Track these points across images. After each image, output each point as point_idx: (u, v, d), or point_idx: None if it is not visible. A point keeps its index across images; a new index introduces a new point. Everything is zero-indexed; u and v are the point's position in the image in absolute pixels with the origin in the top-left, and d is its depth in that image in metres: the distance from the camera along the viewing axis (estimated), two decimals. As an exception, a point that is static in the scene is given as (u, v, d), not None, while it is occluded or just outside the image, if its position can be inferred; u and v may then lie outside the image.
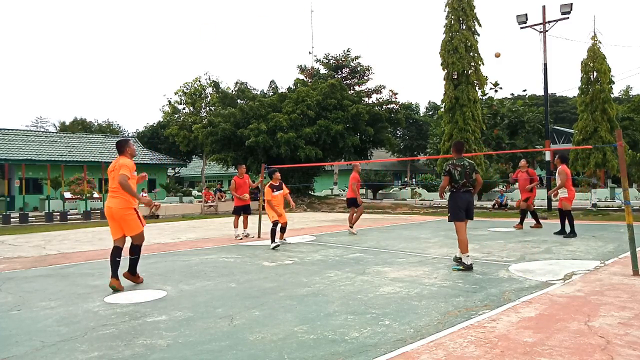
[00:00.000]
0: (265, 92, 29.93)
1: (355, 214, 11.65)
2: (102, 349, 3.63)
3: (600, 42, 20.11)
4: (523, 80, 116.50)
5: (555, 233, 10.35)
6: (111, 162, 5.94)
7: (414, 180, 52.26)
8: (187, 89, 34.04)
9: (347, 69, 33.04)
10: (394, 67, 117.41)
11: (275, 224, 9.25)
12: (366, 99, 29.78)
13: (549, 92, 20.10)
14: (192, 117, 33.10)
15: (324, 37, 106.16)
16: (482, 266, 6.78)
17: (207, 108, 33.47)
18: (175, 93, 34.51)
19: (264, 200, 9.80)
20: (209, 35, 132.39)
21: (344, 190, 36.93)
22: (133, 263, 5.84)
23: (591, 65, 20.06)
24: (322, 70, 33.64)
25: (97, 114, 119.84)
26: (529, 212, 12.25)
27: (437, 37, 73.14)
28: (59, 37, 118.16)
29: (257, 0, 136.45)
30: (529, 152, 36.36)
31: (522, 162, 12.22)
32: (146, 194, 22.97)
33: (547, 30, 18.95)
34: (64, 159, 29.29)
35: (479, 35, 22.20)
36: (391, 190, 36.28)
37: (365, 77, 32.73)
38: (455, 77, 21.92)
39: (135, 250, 5.82)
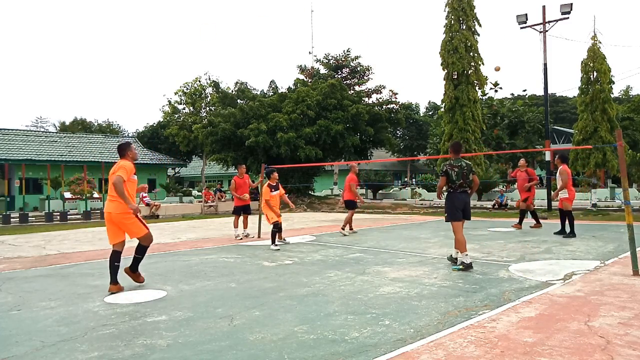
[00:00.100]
0: (265, 92, 29.94)
1: (347, 215, 11.58)
2: (102, 349, 3.63)
3: (600, 42, 20.16)
4: (523, 80, 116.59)
5: (555, 233, 10.35)
6: (111, 162, 5.90)
7: (414, 180, 52.29)
8: (187, 89, 34.04)
9: (347, 69, 33.04)
10: (394, 67, 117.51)
11: (275, 225, 9.24)
12: (366, 99, 29.79)
13: (549, 92, 20.10)
14: (192, 117, 33.10)
15: (324, 37, 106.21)
16: (482, 266, 6.78)
17: (207, 108, 33.48)
18: (175, 93, 34.54)
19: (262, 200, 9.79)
20: (209, 35, 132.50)
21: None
22: (136, 262, 5.80)
23: (591, 65, 20.09)
24: (322, 70, 33.65)
25: (97, 114, 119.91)
26: (528, 212, 12.25)
27: (437, 37, 73.19)
28: (59, 37, 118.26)
29: (257, 0, 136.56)
30: (529, 152, 36.36)
31: (522, 161, 12.21)
32: (146, 195, 22.98)
33: (547, 30, 18.95)
34: (64, 159, 29.29)
35: (479, 35, 22.23)
36: (391, 190, 36.28)
37: (365, 77, 32.74)
38: (455, 77, 21.95)
39: (142, 251, 5.78)
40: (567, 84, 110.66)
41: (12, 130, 33.30)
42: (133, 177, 5.60)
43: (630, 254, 6.11)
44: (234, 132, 24.68)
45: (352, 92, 29.57)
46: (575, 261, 6.98)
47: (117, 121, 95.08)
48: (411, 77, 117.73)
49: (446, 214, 6.76)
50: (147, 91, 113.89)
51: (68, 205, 22.97)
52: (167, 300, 5.17)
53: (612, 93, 20.61)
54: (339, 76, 32.16)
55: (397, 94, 28.53)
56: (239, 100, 27.36)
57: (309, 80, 30.94)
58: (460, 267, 6.45)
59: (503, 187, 25.62)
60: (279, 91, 28.97)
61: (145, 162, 33.46)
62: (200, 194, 32.56)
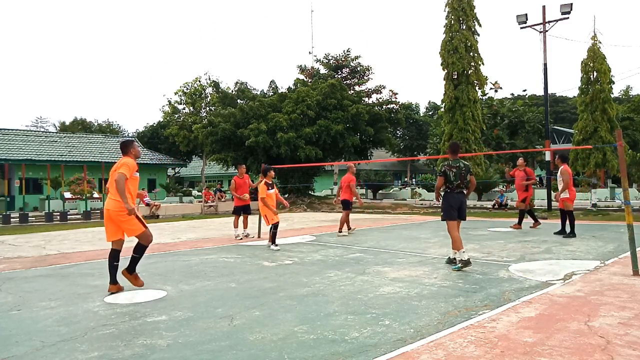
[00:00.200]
0: (265, 92, 29.94)
1: (342, 216, 11.52)
2: (102, 349, 3.63)
3: (600, 42, 20.16)
4: (523, 80, 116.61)
5: (555, 233, 10.34)
6: (111, 162, 5.84)
7: (414, 180, 52.27)
8: (187, 89, 34.03)
9: (347, 69, 33.03)
10: (394, 67, 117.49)
11: (275, 226, 9.19)
12: (366, 99, 29.78)
13: (549, 92, 20.11)
14: (192, 117, 33.09)
15: (324, 37, 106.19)
16: (482, 266, 6.78)
17: (207, 108, 33.47)
18: (175, 93, 34.52)
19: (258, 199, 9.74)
20: (209, 35, 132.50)
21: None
22: (133, 261, 5.61)
23: (591, 65, 20.09)
24: (322, 70, 33.63)
25: (97, 114, 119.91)
26: (530, 214, 12.24)
27: (437, 37, 73.19)
28: (59, 37, 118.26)
29: (257, 0, 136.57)
30: (529, 152, 36.36)
31: (520, 160, 12.19)
32: (146, 195, 22.98)
33: (547, 30, 18.95)
34: (64, 159, 29.28)
35: (479, 35, 22.23)
36: (391, 190, 36.27)
37: (365, 77, 32.72)
38: (455, 77, 21.95)
39: (140, 250, 5.61)
40: (567, 84, 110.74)
41: (12, 130, 33.29)
42: (135, 174, 5.54)
43: (630, 254, 6.11)
44: (234, 132, 24.68)
45: (352, 92, 29.57)
46: (575, 261, 6.99)
47: (117, 121, 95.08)
48: (411, 77, 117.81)
49: (442, 213, 6.88)
50: (147, 91, 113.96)
51: (68, 205, 22.97)
52: (167, 300, 5.17)
53: (612, 93, 20.62)
54: (339, 76, 32.14)
55: (397, 94, 28.56)
56: (239, 100, 27.36)
57: (309, 80, 30.94)
58: (460, 265, 6.47)
59: (503, 187, 25.63)
60: (279, 91, 28.97)
61: (145, 162, 33.45)
62: (200, 194, 32.56)
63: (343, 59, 32.91)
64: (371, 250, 8.79)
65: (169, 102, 35.22)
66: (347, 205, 11.46)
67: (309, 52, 45.19)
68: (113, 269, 5.54)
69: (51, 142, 32.59)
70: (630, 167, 24.67)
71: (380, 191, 34.90)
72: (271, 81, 31.36)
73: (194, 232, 13.18)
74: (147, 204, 20.53)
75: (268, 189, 9.29)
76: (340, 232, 11.37)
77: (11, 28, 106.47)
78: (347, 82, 32.08)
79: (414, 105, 52.14)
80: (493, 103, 37.96)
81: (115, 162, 5.73)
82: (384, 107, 27.97)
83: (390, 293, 5.24)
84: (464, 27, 21.96)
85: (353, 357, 3.34)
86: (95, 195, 24.56)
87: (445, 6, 22.19)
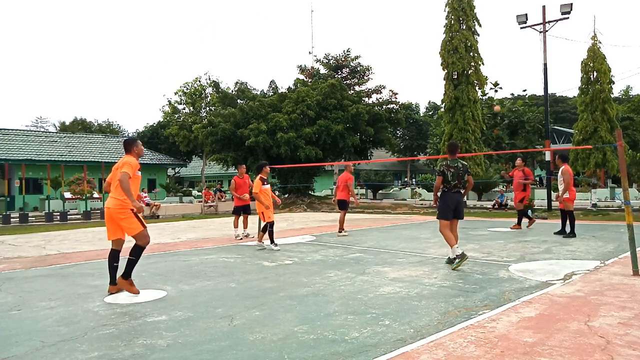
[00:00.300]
0: (265, 92, 29.93)
1: (341, 216, 11.49)
2: (102, 349, 3.63)
3: (600, 42, 20.12)
4: (523, 80, 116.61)
5: (555, 233, 10.34)
6: (111, 162, 5.77)
7: (414, 180, 52.26)
8: (187, 89, 34.02)
9: (347, 69, 33.02)
10: (394, 67, 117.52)
11: (271, 224, 9.08)
12: (366, 99, 29.78)
13: (549, 92, 20.11)
14: (192, 117, 33.08)
15: (324, 37, 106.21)
16: (482, 266, 6.78)
17: (207, 108, 33.46)
18: (175, 93, 34.52)
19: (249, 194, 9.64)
20: (209, 35, 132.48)
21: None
22: (129, 265, 5.38)
23: (591, 65, 20.06)
24: (322, 70, 33.63)
25: (97, 114, 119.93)
26: (523, 213, 12.24)
27: (437, 37, 73.18)
28: (59, 37, 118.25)
29: (257, 0, 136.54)
30: (529, 152, 36.35)
31: (518, 161, 12.18)
32: (146, 195, 22.98)
33: (547, 30, 18.95)
34: (64, 159, 29.28)
35: (479, 35, 22.20)
36: (391, 190, 36.28)
37: (365, 77, 32.72)
38: (455, 77, 21.93)
39: (136, 252, 5.42)
40: (567, 84, 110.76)
41: (12, 130, 33.30)
42: (137, 173, 5.50)
43: (630, 254, 6.11)
44: (234, 132, 24.68)
45: (352, 92, 29.56)
46: (575, 261, 6.99)
47: (117, 121, 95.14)
48: (411, 77, 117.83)
49: (438, 212, 6.98)
50: (147, 91, 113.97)
51: (68, 205, 22.97)
52: (167, 300, 5.17)
53: (612, 93, 20.57)
54: (339, 76, 32.14)
55: (397, 94, 28.55)
56: (239, 100, 27.35)
57: (309, 80, 30.93)
58: (458, 261, 6.53)
59: (503, 187, 25.64)
60: (279, 91, 28.97)
61: (145, 162, 33.45)
62: (200, 194, 32.56)
63: (343, 59, 32.90)
64: (371, 250, 8.78)
65: (169, 102, 35.23)
66: (344, 206, 11.40)
67: (309, 52, 45.21)
68: (113, 269, 5.52)
69: (51, 142, 32.58)
70: (630, 167, 24.67)
71: (380, 191, 34.90)
72: (271, 81, 31.38)
73: (194, 232, 13.18)
74: (147, 204, 20.53)
75: (263, 184, 9.20)
76: (340, 232, 11.37)
77: (11, 28, 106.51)
78: (347, 82, 32.07)
79: (414, 105, 52.13)
80: (493, 103, 37.95)
81: (115, 162, 5.67)
82: (384, 107, 27.97)
83: (390, 293, 5.24)
84: (464, 27, 21.94)
85: (353, 357, 3.34)
86: (95, 195, 24.55)
87: (445, 6, 22.17)
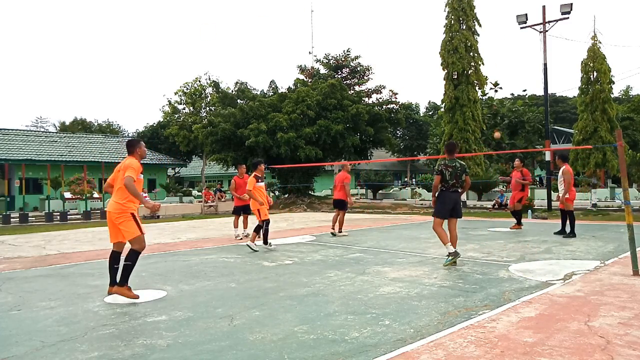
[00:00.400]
0: (265, 92, 29.93)
1: (340, 217, 11.43)
2: (102, 349, 3.63)
3: (600, 42, 20.12)
4: (523, 80, 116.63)
5: (555, 233, 10.34)
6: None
7: (414, 180, 52.25)
8: (187, 89, 34.01)
9: (347, 69, 33.02)
10: (394, 67, 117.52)
11: (267, 222, 8.92)
12: (366, 99, 29.77)
13: (549, 92, 20.10)
14: (192, 117, 33.08)
15: (324, 37, 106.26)
16: (482, 266, 6.78)
17: (207, 108, 33.45)
18: (175, 93, 34.51)
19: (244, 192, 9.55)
20: (209, 35, 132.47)
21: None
22: (125, 271, 5.22)
23: (591, 65, 20.06)
24: (322, 70, 33.63)
25: (97, 114, 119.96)
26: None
27: (437, 37, 73.17)
28: (59, 37, 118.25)
29: (257, 0, 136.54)
30: (529, 152, 36.34)
31: (517, 162, 12.16)
32: (146, 195, 22.96)
33: (547, 30, 18.95)
34: (64, 159, 29.28)
35: (479, 35, 22.21)
36: (391, 190, 36.28)
37: (365, 77, 32.72)
38: (455, 77, 21.93)
39: (131, 257, 5.25)
40: (567, 84, 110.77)
41: (12, 130, 33.30)
42: (140, 176, 5.50)
43: (630, 254, 6.11)
44: (234, 132, 24.68)
45: (352, 92, 29.56)
46: (575, 261, 6.99)
47: (117, 121, 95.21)
48: (411, 77, 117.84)
49: (434, 210, 7.15)
50: (147, 91, 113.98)
51: (68, 205, 22.97)
52: (167, 300, 5.16)
53: (612, 93, 20.57)
54: (339, 76, 32.14)
55: (397, 94, 28.54)
56: (239, 100, 27.35)
57: (309, 80, 30.93)
58: (450, 259, 6.73)
59: (503, 187, 25.64)
60: (279, 91, 28.96)
61: (145, 162, 33.34)
62: (200, 194, 32.56)
63: (343, 59, 32.90)
64: (371, 250, 8.78)
65: (169, 102, 35.22)
66: (342, 206, 11.35)
67: (309, 52, 45.27)
68: (113, 270, 5.49)
69: (51, 142, 32.58)
70: (630, 167, 24.66)
71: (380, 191, 34.90)
72: (271, 81, 31.37)
73: (194, 232, 13.18)
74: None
75: (257, 182, 9.15)
76: (340, 232, 11.36)
77: (11, 28, 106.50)
78: (347, 82, 32.07)
79: (414, 105, 52.12)
80: (493, 103, 37.96)
81: (115, 162, 5.63)
82: (384, 107, 27.96)
83: (390, 293, 5.24)
84: (464, 27, 21.95)
85: (353, 357, 3.34)
86: (95, 195, 24.55)
87: (445, 6, 22.17)
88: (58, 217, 19.26)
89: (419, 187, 34.40)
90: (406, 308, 4.61)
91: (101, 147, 34.21)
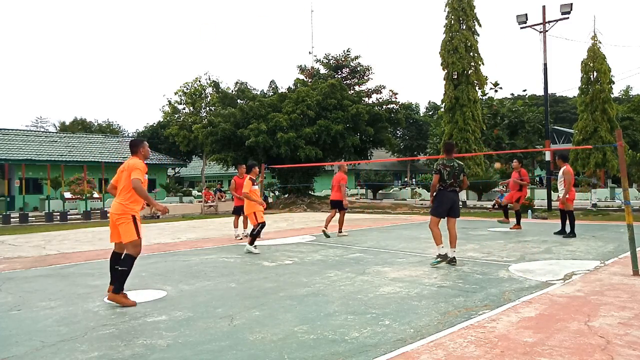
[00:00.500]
0: (265, 92, 29.92)
1: (340, 217, 11.41)
2: (102, 349, 3.63)
3: (600, 42, 20.13)
4: (523, 80, 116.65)
5: (555, 233, 10.34)
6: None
7: (414, 180, 52.26)
8: (187, 89, 34.01)
9: (347, 69, 33.02)
10: (394, 67, 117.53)
11: (262, 225, 8.73)
12: (366, 99, 29.77)
13: (549, 92, 20.11)
14: (192, 117, 33.07)
15: (324, 37, 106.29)
16: (482, 266, 6.78)
17: (207, 108, 33.45)
18: (175, 93, 34.50)
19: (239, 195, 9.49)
20: (209, 35, 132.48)
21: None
22: (120, 277, 5.06)
23: (591, 65, 20.06)
24: (322, 70, 33.63)
25: (97, 114, 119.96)
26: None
27: (437, 37, 73.17)
28: (59, 37, 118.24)
29: (257, 0, 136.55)
30: (529, 152, 36.34)
31: (515, 162, 12.18)
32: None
33: (547, 30, 18.95)
34: (64, 159, 29.26)
35: (479, 35, 22.22)
36: (391, 190, 36.29)
37: (365, 77, 32.71)
38: (455, 77, 21.94)
39: (127, 263, 5.09)
40: (567, 84, 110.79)
41: (12, 130, 33.29)
42: (145, 177, 5.46)
43: (630, 254, 6.11)
44: (234, 132, 24.67)
45: (352, 92, 29.56)
46: (575, 261, 6.98)
47: (117, 121, 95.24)
48: (411, 77, 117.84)
49: (431, 208, 7.24)
50: (147, 91, 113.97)
51: (68, 205, 22.97)
52: (167, 300, 5.16)
53: (612, 93, 20.57)
54: (339, 76, 32.13)
55: (397, 94, 28.53)
56: (239, 100, 27.34)
57: (309, 80, 30.93)
58: (439, 259, 6.88)
59: (503, 187, 25.63)
60: (279, 91, 28.96)
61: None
62: (200, 194, 32.56)
63: (343, 59, 32.90)
64: (371, 250, 8.78)
65: (169, 102, 35.21)
66: (339, 206, 11.22)
67: (309, 52, 45.28)
68: (113, 271, 5.49)
69: (51, 142, 32.57)
70: (630, 167, 24.67)
71: (380, 191, 34.91)
72: (271, 81, 31.36)
73: (194, 232, 13.18)
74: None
75: (252, 185, 9.12)
76: (340, 232, 11.36)
77: (11, 28, 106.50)
78: (347, 82, 32.07)
79: (414, 105, 52.12)
80: (493, 103, 37.95)
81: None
82: (384, 107, 27.95)
83: (390, 293, 5.24)
84: (464, 27, 21.95)
85: (353, 357, 3.34)
86: (95, 195, 24.55)
87: (445, 6, 22.18)
88: (58, 217, 19.26)
89: (419, 187, 34.40)
90: (406, 308, 4.61)
91: (101, 147, 34.19)
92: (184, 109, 34.70)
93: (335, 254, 8.30)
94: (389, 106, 28.04)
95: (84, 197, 22.01)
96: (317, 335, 3.85)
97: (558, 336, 3.67)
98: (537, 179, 36.49)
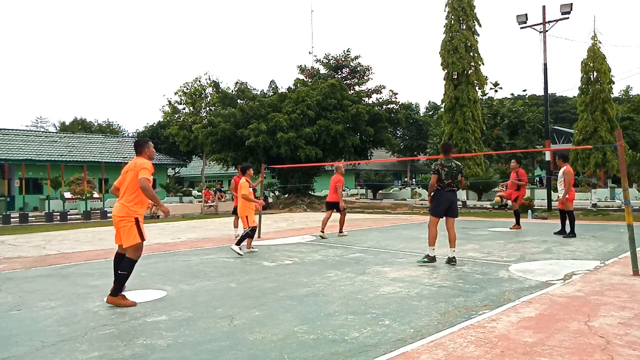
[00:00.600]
0: (265, 92, 29.92)
1: (341, 217, 11.38)
2: (102, 349, 3.63)
3: (600, 42, 20.10)
4: (523, 80, 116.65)
5: (555, 233, 10.34)
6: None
7: (414, 180, 52.25)
8: (187, 89, 34.01)
9: (347, 69, 33.01)
10: (394, 67, 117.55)
11: (252, 229, 8.67)
12: (366, 99, 29.77)
13: (549, 92, 20.10)
14: (192, 117, 33.08)
15: (324, 37, 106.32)
16: (482, 266, 6.78)
17: (207, 108, 33.45)
18: (175, 93, 34.51)
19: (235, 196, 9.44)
20: (209, 35, 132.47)
21: (343, 191, 36.79)
22: (119, 280, 4.99)
23: (591, 65, 20.05)
24: (322, 70, 33.62)
25: (97, 114, 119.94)
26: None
27: (437, 37, 73.18)
28: (59, 37, 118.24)
29: (257, 0, 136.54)
30: (529, 152, 36.33)
31: (513, 163, 12.17)
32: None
33: (547, 30, 18.95)
34: (64, 159, 29.25)
35: (479, 35, 22.19)
36: (391, 190, 36.28)
37: (365, 77, 32.71)
38: (455, 77, 21.92)
39: (127, 267, 5.02)
40: (567, 84, 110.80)
41: (12, 130, 33.27)
42: (151, 177, 5.41)
43: (630, 254, 6.11)
44: (234, 132, 24.67)
45: (352, 92, 29.56)
46: (575, 261, 6.98)
47: (117, 121, 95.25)
48: (411, 77, 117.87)
49: (430, 208, 7.33)
50: (147, 91, 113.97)
51: (68, 205, 22.97)
52: (167, 300, 5.16)
53: (612, 93, 20.55)
54: (339, 76, 32.13)
55: (397, 94, 28.54)
56: (239, 100, 27.35)
57: (309, 80, 30.92)
58: (425, 259, 7.08)
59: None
60: (279, 91, 28.96)
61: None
62: (200, 194, 32.56)
63: (343, 59, 32.89)
64: (371, 250, 8.78)
65: (169, 102, 35.23)
66: (337, 208, 11.13)
67: (309, 52, 45.29)
68: (117, 272, 5.48)
69: (51, 142, 32.57)
70: (630, 167, 24.65)
71: (380, 191, 34.91)
72: (271, 81, 31.36)
73: (194, 232, 13.18)
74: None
75: (249, 187, 9.07)
76: (340, 232, 11.36)
77: (11, 28, 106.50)
78: (347, 82, 32.07)
79: (414, 105, 52.13)
80: (493, 103, 37.94)
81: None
82: (384, 107, 27.96)
83: (390, 293, 5.24)
84: (464, 27, 21.93)
85: (353, 357, 3.34)
86: (95, 195, 24.55)
87: (445, 6, 22.16)
88: (58, 217, 19.26)
89: (419, 187, 34.39)
90: (406, 308, 4.61)
91: (101, 147, 34.18)
92: (184, 109, 34.72)
93: (335, 254, 8.30)
94: (389, 106, 28.04)
95: (84, 197, 22.01)
96: (317, 335, 3.85)
97: (558, 336, 3.67)
98: (537, 179, 36.49)
